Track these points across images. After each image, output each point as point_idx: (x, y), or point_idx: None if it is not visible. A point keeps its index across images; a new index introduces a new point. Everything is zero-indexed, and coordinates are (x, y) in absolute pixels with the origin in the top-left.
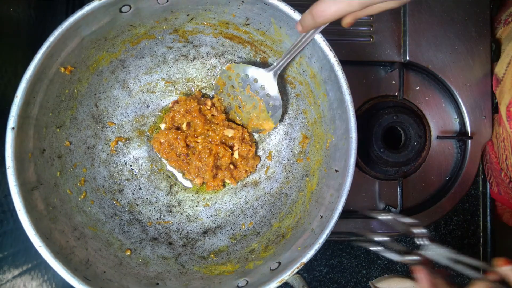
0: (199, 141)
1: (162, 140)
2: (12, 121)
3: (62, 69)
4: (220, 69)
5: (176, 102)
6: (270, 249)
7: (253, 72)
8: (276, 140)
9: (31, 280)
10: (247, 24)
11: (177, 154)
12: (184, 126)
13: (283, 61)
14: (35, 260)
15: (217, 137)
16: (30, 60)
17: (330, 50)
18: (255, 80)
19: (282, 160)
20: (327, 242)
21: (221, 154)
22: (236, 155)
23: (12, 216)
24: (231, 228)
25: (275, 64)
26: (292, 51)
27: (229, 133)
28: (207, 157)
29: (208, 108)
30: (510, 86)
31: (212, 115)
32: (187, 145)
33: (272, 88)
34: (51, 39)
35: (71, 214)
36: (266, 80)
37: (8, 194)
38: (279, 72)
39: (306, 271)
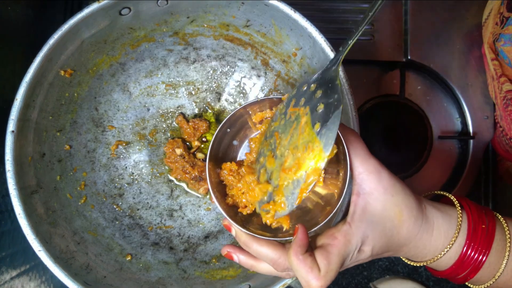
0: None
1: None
2: (12, 125)
3: (62, 72)
4: (220, 72)
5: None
6: None
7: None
8: None
9: (29, 281)
10: (247, 26)
11: (183, 170)
12: None
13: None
14: (33, 261)
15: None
16: (28, 59)
17: (332, 50)
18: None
19: None
20: None
21: None
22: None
23: (10, 217)
24: None
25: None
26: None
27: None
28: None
29: None
30: (490, 30)
31: None
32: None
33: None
34: (51, 42)
35: (71, 218)
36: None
37: (5, 195)
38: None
39: None
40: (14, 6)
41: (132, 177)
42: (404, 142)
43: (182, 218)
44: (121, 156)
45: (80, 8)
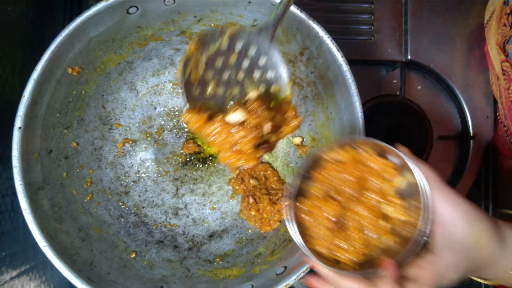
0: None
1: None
2: (19, 121)
3: (70, 70)
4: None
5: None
6: (277, 253)
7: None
8: (283, 143)
9: (29, 281)
10: (254, 25)
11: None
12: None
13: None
14: (33, 261)
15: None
16: (28, 59)
17: (338, 50)
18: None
19: (290, 163)
20: None
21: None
22: None
23: (10, 217)
24: (238, 232)
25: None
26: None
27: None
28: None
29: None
30: (494, 31)
31: None
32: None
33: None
34: (58, 39)
35: (77, 215)
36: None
37: (5, 195)
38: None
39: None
40: (14, 6)
41: (138, 175)
42: (404, 142)
43: (187, 217)
44: (128, 154)
45: (80, 8)
